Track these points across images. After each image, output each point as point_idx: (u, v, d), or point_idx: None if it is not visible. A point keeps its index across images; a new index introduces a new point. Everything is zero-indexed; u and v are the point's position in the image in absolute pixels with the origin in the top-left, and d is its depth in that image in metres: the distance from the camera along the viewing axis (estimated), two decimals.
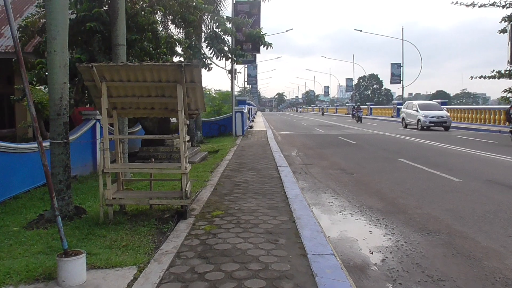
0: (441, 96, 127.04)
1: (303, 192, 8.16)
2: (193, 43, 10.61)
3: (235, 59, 11.62)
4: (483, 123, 29.24)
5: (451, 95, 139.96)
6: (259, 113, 76.92)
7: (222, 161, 12.68)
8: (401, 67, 47.11)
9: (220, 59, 11.82)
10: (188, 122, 6.72)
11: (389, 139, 21.46)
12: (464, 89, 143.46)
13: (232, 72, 21.41)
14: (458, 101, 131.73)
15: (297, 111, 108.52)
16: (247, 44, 21.61)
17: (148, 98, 6.27)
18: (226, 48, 11.42)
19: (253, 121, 39.97)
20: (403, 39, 45.19)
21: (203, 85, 7.29)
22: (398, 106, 44.84)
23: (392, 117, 44.81)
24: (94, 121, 11.54)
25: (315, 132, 27.19)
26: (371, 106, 53.98)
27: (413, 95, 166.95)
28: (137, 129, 15.00)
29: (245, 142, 19.08)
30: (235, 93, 32.01)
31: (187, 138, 6.71)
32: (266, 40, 11.77)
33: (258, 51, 22.08)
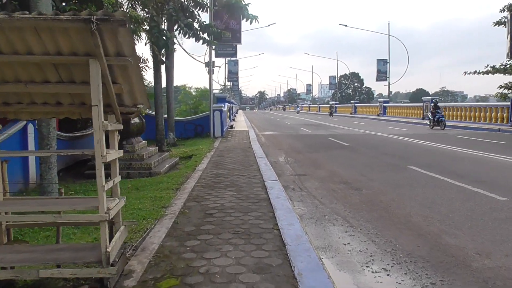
0: (421, 94, 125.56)
1: (303, 224, 5.56)
2: (153, 17, 7.89)
3: (207, 39, 8.89)
4: (479, 121, 27.17)
5: (430, 93, 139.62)
6: (240, 111, 74.16)
7: (194, 171, 9.96)
8: (387, 64, 44.95)
9: (188, 37, 9.10)
10: (121, 126, 4.01)
11: (384, 140, 19.03)
12: (443, 87, 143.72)
13: (210, 65, 18.69)
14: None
15: (284, 110, 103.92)
16: (226, 33, 18.87)
17: (45, 86, 3.52)
18: (196, 25, 8.69)
19: (234, 120, 37.22)
20: (389, 34, 43.06)
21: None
22: (384, 104, 42.75)
23: (378, 115, 42.64)
24: (25, 122, 8.73)
25: (301, 132, 24.64)
26: (355, 105, 51.77)
27: (392, 93, 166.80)
28: (90, 131, 12.15)
29: (225, 144, 16.38)
30: (215, 90, 29.18)
31: (119, 153, 4.01)
32: (249, 12, 9.05)
33: (239, 41, 19.38)
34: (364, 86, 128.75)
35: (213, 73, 19.25)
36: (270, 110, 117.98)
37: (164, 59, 13.20)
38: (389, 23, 42.96)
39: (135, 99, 3.89)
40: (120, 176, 4.20)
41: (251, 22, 9.12)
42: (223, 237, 4.87)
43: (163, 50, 11.09)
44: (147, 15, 8.32)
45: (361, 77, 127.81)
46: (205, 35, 8.66)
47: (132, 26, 7.98)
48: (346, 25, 44.97)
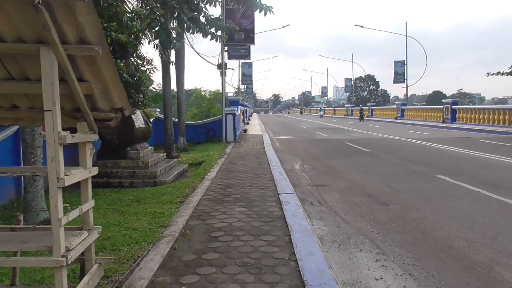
0: (438, 97, 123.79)
1: (325, 250, 4.64)
2: (153, 9, 7.07)
3: (217, 34, 8.01)
4: (503, 124, 25.74)
5: (447, 95, 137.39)
6: (254, 115, 73.33)
7: (202, 181, 9.08)
8: (405, 65, 43.55)
9: (193, 33, 8.26)
10: (95, 137, 3.13)
11: (405, 145, 17.92)
12: (461, 89, 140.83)
13: (222, 67, 17.84)
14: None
15: (301, 113, 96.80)
16: (238, 33, 18.03)
17: None
18: (203, 19, 7.82)
19: (247, 123, 36.37)
20: (406, 35, 41.72)
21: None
22: (402, 107, 41.42)
23: (396, 118, 41.33)
24: (17, 126, 7.97)
25: (317, 137, 23.63)
26: (372, 107, 50.46)
27: (408, 95, 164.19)
28: None
29: (237, 150, 15.50)
30: (229, 94, 28.36)
31: (89, 172, 3.14)
32: (262, 3, 8.13)
33: (252, 42, 18.50)
34: (379, 88, 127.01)
35: (225, 76, 18.39)
36: (288, 113, 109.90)
37: (171, 59, 12.42)
38: (406, 24, 41.69)
39: (113, 102, 3.01)
40: (94, 196, 3.30)
41: (265, 14, 8.20)
42: (228, 271, 3.96)
43: (169, 49, 10.24)
44: (149, 10, 7.58)
45: (377, 80, 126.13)
46: (213, 30, 7.79)
47: (134, 22, 7.19)
48: (362, 26, 43.79)
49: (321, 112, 68.46)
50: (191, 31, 7.31)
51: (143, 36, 10.79)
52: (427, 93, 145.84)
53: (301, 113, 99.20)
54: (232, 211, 6.21)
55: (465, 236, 5.46)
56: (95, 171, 3.21)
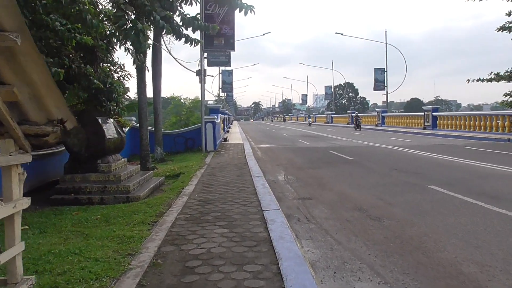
0: (416, 104, 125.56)
1: (317, 278, 4.01)
2: (120, 5, 6.35)
3: (193, 38, 7.32)
4: (484, 131, 25.67)
5: (425, 102, 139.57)
6: (235, 122, 72.63)
7: (179, 196, 8.32)
8: (385, 72, 43.55)
9: (168, 33, 7.54)
10: (28, 158, 2.39)
11: (390, 153, 17.47)
12: (437, 96, 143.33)
13: (201, 73, 17.10)
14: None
15: (284, 121, 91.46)
16: (218, 39, 17.36)
17: None
18: (178, 19, 7.13)
19: (228, 131, 35.62)
20: (386, 43, 41.77)
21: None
22: (382, 114, 41.35)
23: (376, 125, 41.24)
24: None
25: (299, 145, 23.06)
26: (352, 115, 50.29)
27: (387, 103, 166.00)
28: (61, 149, 10.50)
29: (217, 160, 14.75)
30: (209, 102, 27.60)
31: (14, 207, 2.39)
32: (243, 2, 7.46)
33: (233, 48, 17.83)
34: (358, 96, 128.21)
35: (205, 83, 17.67)
36: (272, 121, 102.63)
37: (147, 64, 11.67)
38: (386, 32, 41.78)
39: (49, 112, 2.29)
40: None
41: (246, 13, 7.58)
42: None
43: (140, 51, 9.48)
44: (115, 7, 6.86)
45: (356, 87, 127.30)
46: (190, 31, 7.10)
47: (100, 23, 6.46)
48: (342, 34, 43.72)
49: (309, 119, 60.81)
50: (164, 31, 6.60)
51: (115, 40, 10.04)
52: (405, 100, 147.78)
53: (284, 120, 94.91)
54: (211, 233, 5.48)
55: (474, 258, 4.86)
56: (25, 204, 2.45)
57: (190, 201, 7.69)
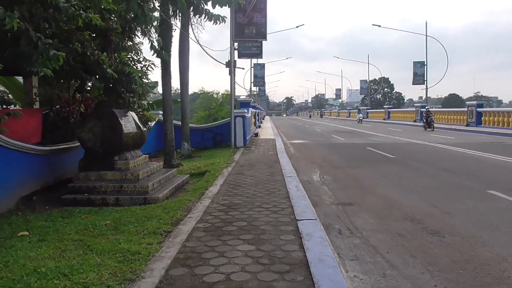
0: (454, 100, 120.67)
1: None
2: None
3: (216, 15, 6.27)
4: None
5: (464, 98, 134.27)
6: (267, 117, 71.53)
7: (201, 199, 7.32)
8: (425, 66, 41.28)
9: (180, 10, 6.52)
10: None
11: (434, 151, 15.96)
12: (478, 92, 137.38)
13: (231, 64, 16.09)
14: None
15: (321, 116, 77.58)
16: (249, 28, 16.29)
17: None
18: None
19: (259, 126, 34.59)
20: (426, 35, 39.52)
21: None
22: (421, 109, 39.20)
23: (415, 121, 39.18)
24: None
25: (334, 141, 21.75)
26: (389, 110, 48.27)
27: (423, 98, 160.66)
28: (76, 144, 9.70)
29: (247, 157, 13.72)
30: (241, 96, 26.63)
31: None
32: None
33: (264, 37, 16.71)
34: (394, 91, 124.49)
35: (234, 74, 16.65)
36: (310, 117, 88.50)
37: (160, 51, 10.63)
38: (426, 23, 39.52)
39: None
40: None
41: None
42: None
43: (145, 25, 8.52)
44: None
45: (391, 82, 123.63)
46: (209, 5, 6.08)
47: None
48: (379, 26, 41.75)
49: (360, 115, 48.23)
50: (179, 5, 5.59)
51: (136, 26, 9.15)
52: (443, 96, 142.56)
53: (321, 116, 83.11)
54: (233, 251, 4.43)
55: None
56: None
57: (213, 206, 6.67)
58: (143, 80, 10.69)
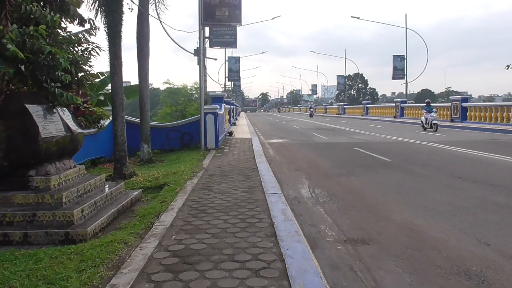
0: (426, 95, 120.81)
1: None
2: None
3: None
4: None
5: (436, 93, 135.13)
6: (242, 114, 69.01)
7: (144, 239, 4.85)
8: (405, 60, 39.59)
9: None
10: None
11: (432, 152, 13.90)
12: (449, 87, 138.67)
13: (200, 52, 13.55)
14: (443, 99, 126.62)
15: (311, 115, 53.99)
16: (221, 10, 13.76)
17: None
18: None
19: (234, 124, 32.12)
20: (406, 28, 37.79)
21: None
22: (401, 105, 37.58)
23: (395, 117, 37.48)
24: None
25: (316, 139, 19.50)
26: (367, 105, 46.49)
27: (396, 94, 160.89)
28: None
29: (218, 162, 11.28)
30: (216, 91, 23.97)
31: None
32: None
33: (239, 21, 14.19)
34: (368, 87, 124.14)
35: (204, 64, 14.14)
36: (279, 112, 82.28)
37: (120, 29, 8.18)
38: (406, 15, 37.82)
39: None
40: None
41: None
42: None
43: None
44: None
45: (365, 78, 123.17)
46: None
47: None
48: (358, 18, 39.84)
49: (311, 110, 50.65)
50: None
51: None
52: (415, 92, 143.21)
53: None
54: None
55: None
56: None
57: (158, 256, 4.22)
58: (83, 67, 8.14)
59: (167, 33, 12.22)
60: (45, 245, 5.20)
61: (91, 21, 7.47)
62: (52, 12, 5.65)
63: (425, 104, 25.55)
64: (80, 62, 7.73)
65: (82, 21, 7.19)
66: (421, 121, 24.62)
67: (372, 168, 10.60)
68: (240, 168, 9.99)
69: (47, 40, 6.91)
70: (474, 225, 5.51)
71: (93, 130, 12.03)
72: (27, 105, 5.99)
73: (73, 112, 11.24)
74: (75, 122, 7.44)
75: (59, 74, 6.43)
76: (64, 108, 7.19)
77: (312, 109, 52.31)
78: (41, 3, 6.11)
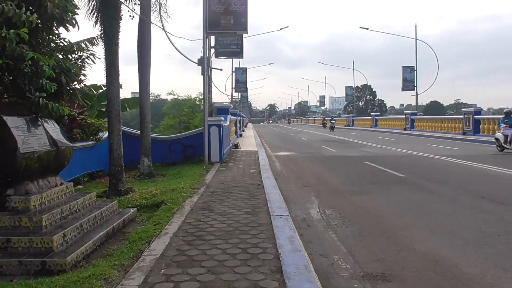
0: (436, 107, 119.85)
1: None
2: None
3: None
4: None
5: (444, 105, 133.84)
6: (249, 125, 68.42)
7: (128, 274, 4.16)
8: (415, 71, 38.85)
9: None
10: None
11: (448, 166, 13.09)
12: (458, 99, 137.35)
13: (203, 62, 12.99)
14: (452, 112, 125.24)
15: (330, 127, 45.90)
16: (226, 18, 13.19)
17: None
18: None
19: (241, 135, 31.48)
20: (416, 38, 37.14)
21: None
22: (412, 117, 36.73)
23: (405, 129, 36.62)
24: None
25: (324, 152, 18.76)
26: (376, 117, 45.68)
27: (404, 105, 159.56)
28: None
29: (221, 177, 10.60)
30: (224, 103, 23.36)
31: None
32: None
33: (245, 29, 13.60)
34: (376, 98, 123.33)
35: (209, 73, 13.54)
36: (289, 123, 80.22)
37: (105, 36, 7.66)
38: (416, 26, 37.19)
39: None
40: None
41: None
42: None
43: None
44: None
45: (373, 90, 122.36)
46: None
47: None
48: (367, 28, 39.25)
49: (332, 122, 44.61)
50: None
51: None
52: (424, 103, 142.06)
53: (289, 122, 75.08)
54: None
55: None
56: None
57: None
58: (76, 77, 7.55)
59: (170, 40, 11.67)
60: (19, 276, 4.55)
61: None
62: (28, 12, 5.03)
63: (503, 116, 18.25)
64: (73, 71, 7.15)
65: (70, 26, 6.57)
66: (497, 138, 17.64)
67: (386, 185, 9.84)
68: (245, 185, 9.29)
69: (38, 46, 6.36)
70: (511, 258, 4.75)
71: (90, 142, 11.43)
72: (4, 117, 5.36)
73: (68, 124, 10.67)
74: (63, 135, 6.81)
75: (43, 83, 5.82)
76: (51, 120, 6.58)
77: (333, 121, 44.24)
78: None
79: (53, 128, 6.48)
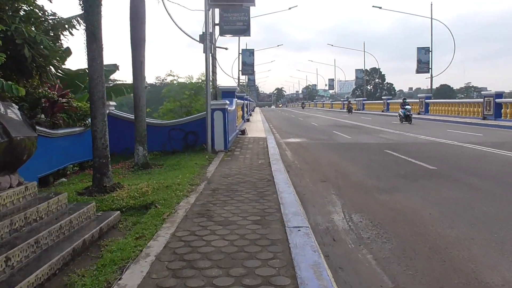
0: (445, 90, 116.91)
1: None
2: None
3: None
4: None
5: (454, 89, 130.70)
6: (257, 109, 66.74)
7: None
8: (430, 52, 36.82)
9: None
10: None
11: (481, 156, 11.55)
12: (468, 82, 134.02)
13: (205, 38, 11.43)
14: (463, 95, 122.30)
15: (350, 111, 46.29)
16: None
17: None
18: None
19: (248, 120, 29.96)
20: (432, 18, 35.07)
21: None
22: (426, 101, 34.91)
23: (419, 113, 34.84)
24: None
25: (338, 139, 17.22)
26: (387, 101, 43.82)
27: (413, 89, 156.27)
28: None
29: (225, 170, 9.16)
30: (229, 86, 21.77)
31: None
32: None
33: (252, 2, 12.02)
34: (385, 82, 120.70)
35: (212, 52, 11.99)
36: (303, 108, 78.96)
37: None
38: (431, 5, 35.04)
39: None
40: None
41: None
42: None
43: None
44: None
45: (382, 73, 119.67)
46: None
47: None
48: (380, 7, 37.11)
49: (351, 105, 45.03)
50: None
51: None
52: (433, 87, 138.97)
53: (303, 107, 76.37)
54: None
55: None
56: None
57: None
58: (46, 51, 6.13)
59: (168, 12, 10.14)
60: None
61: None
62: None
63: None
64: (39, 41, 5.70)
65: None
66: None
67: (417, 180, 8.36)
68: (252, 180, 7.83)
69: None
70: None
71: (78, 129, 10.03)
72: None
73: (49, 108, 9.25)
74: (26, 122, 5.37)
75: None
76: (7, 103, 5.15)
77: (351, 105, 44.80)
78: None
79: (8, 114, 5.05)
